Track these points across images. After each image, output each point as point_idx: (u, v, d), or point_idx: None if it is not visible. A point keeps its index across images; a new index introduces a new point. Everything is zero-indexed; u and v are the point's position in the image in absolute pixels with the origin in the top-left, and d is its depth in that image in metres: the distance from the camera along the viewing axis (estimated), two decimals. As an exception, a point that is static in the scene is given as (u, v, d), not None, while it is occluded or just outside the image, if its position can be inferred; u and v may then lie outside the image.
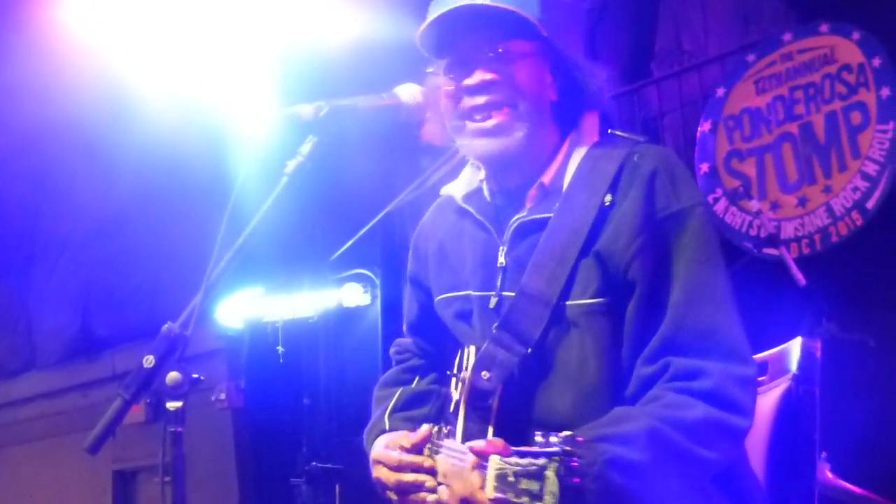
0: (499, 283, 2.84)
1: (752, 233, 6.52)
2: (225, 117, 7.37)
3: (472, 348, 2.82)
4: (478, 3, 2.76)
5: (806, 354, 2.96)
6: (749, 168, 6.78)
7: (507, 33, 2.80)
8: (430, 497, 2.80)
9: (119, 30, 7.89)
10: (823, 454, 4.52)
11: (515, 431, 2.67)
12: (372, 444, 3.07)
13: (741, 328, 2.67)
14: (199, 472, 10.40)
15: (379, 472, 2.95)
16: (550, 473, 2.16)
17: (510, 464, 2.25)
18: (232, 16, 7.73)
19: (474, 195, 2.99)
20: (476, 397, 2.76)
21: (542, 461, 2.19)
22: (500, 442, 2.45)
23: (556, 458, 2.17)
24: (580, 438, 2.35)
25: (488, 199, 2.95)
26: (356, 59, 7.40)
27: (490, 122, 2.79)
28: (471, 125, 2.82)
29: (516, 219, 2.84)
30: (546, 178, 2.83)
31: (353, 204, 8.92)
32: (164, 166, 9.96)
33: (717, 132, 6.95)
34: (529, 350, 2.71)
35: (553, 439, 2.21)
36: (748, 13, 7.38)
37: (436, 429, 2.90)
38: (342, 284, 8.91)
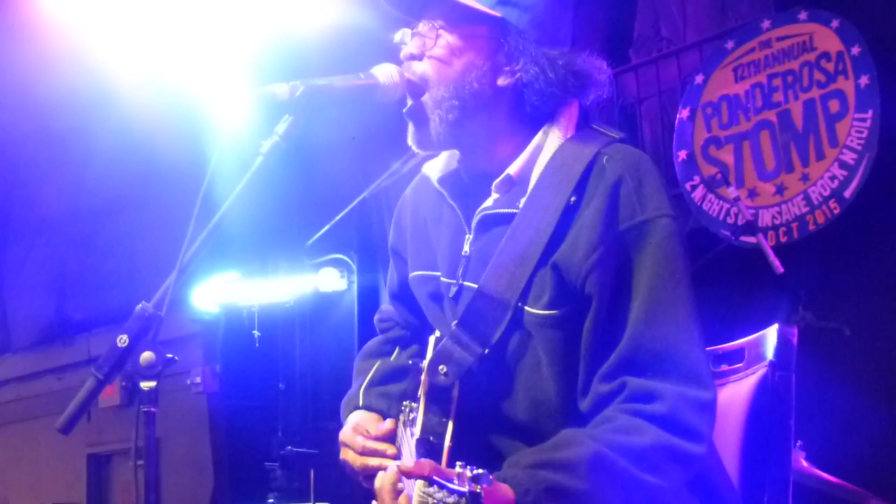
0: (460, 272, 2.79)
1: (730, 220, 6.52)
2: (200, 101, 7.34)
3: (433, 339, 2.76)
4: None
5: (782, 341, 2.94)
6: (727, 155, 6.78)
7: (447, 13, 2.75)
8: None
9: (94, 15, 7.86)
10: (798, 443, 4.53)
11: (475, 428, 2.66)
12: (346, 417, 3.05)
13: (702, 349, 2.59)
14: (174, 456, 10.40)
15: (346, 455, 2.92)
16: None
17: (429, 494, 2.24)
18: (207, 2, 7.70)
19: (450, 176, 2.91)
20: (435, 390, 2.70)
21: (453, 499, 2.18)
22: (427, 465, 2.31)
23: (464, 499, 2.15)
24: (515, 467, 2.40)
25: (466, 180, 2.88)
26: (332, 41, 7.37)
27: (411, 104, 2.77)
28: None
29: (481, 209, 2.77)
30: (513, 170, 2.73)
31: (329, 189, 8.91)
32: (139, 151, 9.93)
33: (695, 119, 6.95)
34: (486, 351, 2.65)
35: (468, 474, 2.18)
36: (727, 0, 7.39)
37: (402, 415, 2.89)
38: (318, 269, 8.93)
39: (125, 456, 11.47)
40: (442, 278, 2.87)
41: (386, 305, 3.35)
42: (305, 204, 9.16)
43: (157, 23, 7.81)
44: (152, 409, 2.40)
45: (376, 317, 3.35)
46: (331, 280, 8.90)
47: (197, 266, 2.56)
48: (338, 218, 8.51)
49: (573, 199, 2.62)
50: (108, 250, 11.91)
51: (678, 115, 7.08)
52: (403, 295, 3.16)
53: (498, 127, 2.78)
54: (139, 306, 2.44)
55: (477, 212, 2.78)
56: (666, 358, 2.53)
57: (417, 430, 2.68)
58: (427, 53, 2.76)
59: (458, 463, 2.22)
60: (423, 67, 2.76)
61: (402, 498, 2.51)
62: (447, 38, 2.75)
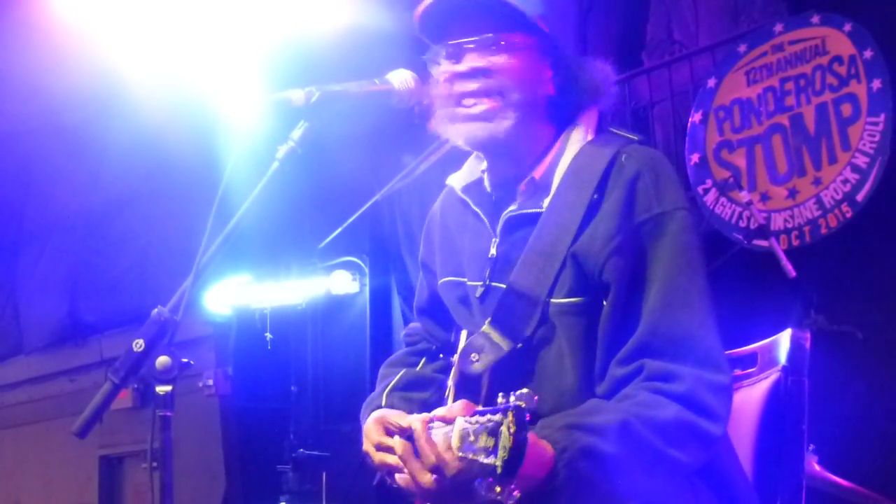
0: (487, 274, 2.86)
1: (742, 224, 6.52)
2: (214, 104, 7.35)
3: (465, 332, 2.86)
4: None
5: (795, 346, 2.96)
6: (739, 159, 6.78)
7: (504, 24, 2.81)
8: (402, 479, 2.80)
9: (107, 18, 7.86)
10: (811, 446, 4.53)
11: None
12: (367, 418, 3.08)
13: (717, 336, 2.65)
14: (186, 459, 10.39)
15: (368, 445, 2.95)
16: (504, 428, 2.16)
17: (471, 423, 2.27)
18: (221, 2, 7.71)
19: (474, 186, 3.00)
20: (466, 380, 2.78)
21: (497, 417, 2.19)
22: (463, 402, 2.45)
23: (510, 412, 2.16)
24: (549, 427, 2.44)
25: (488, 189, 2.96)
26: (346, 46, 7.38)
27: (478, 108, 2.80)
28: (460, 111, 2.81)
29: (507, 212, 2.85)
30: (537, 173, 2.83)
31: (342, 192, 8.92)
32: (153, 153, 9.95)
33: (707, 123, 6.95)
34: (519, 345, 2.72)
35: (511, 398, 2.20)
36: (739, 3, 7.38)
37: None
38: (331, 272, 8.93)
39: (137, 458, 11.47)
40: (468, 282, 2.93)
41: (414, 323, 3.41)
42: (318, 207, 9.16)
43: (170, 23, 7.81)
44: (168, 413, 2.41)
45: (403, 332, 3.42)
46: (343, 283, 8.90)
47: (211, 269, 2.57)
48: (350, 221, 8.52)
49: (595, 196, 2.70)
50: (120, 252, 11.92)
51: (690, 119, 7.08)
52: (432, 308, 3.24)
53: (533, 133, 2.86)
54: (155, 311, 2.46)
55: (503, 215, 2.86)
56: (682, 343, 2.59)
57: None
58: (490, 65, 2.81)
59: (500, 393, 2.26)
60: (488, 81, 2.80)
61: (439, 440, 2.49)
62: (504, 54, 2.81)
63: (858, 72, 6.29)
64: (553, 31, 2.84)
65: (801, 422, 2.93)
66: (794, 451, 2.91)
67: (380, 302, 8.88)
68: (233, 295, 9.12)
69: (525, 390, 2.20)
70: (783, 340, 2.97)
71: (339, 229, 8.63)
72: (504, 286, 2.78)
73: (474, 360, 2.74)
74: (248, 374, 9.56)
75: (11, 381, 13.52)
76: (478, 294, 2.87)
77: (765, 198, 6.58)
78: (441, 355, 3.25)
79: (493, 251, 2.87)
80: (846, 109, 6.31)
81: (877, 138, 6.13)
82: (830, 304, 5.80)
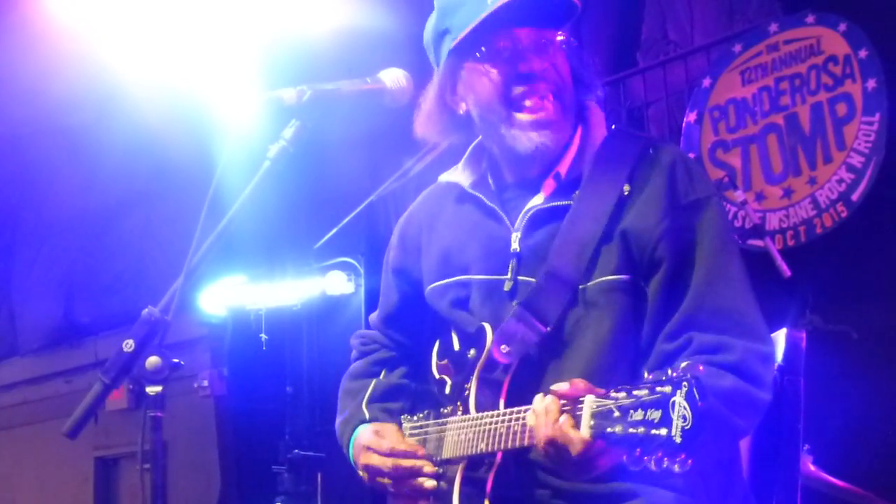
0: (512, 268, 2.87)
1: (737, 224, 6.52)
2: (209, 105, 7.34)
3: (488, 326, 2.83)
4: None
5: (791, 345, 2.96)
6: (734, 159, 6.78)
7: (551, 22, 2.86)
8: (428, 482, 2.84)
9: (103, 19, 7.86)
10: (806, 446, 4.52)
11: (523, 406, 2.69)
12: (351, 434, 3.07)
13: (758, 310, 2.74)
14: (181, 460, 10.39)
15: (370, 459, 2.95)
16: (679, 399, 2.16)
17: (615, 398, 2.27)
18: (215, 3, 7.70)
19: (481, 182, 3.02)
20: (490, 370, 2.79)
21: (667, 389, 2.19)
22: (583, 383, 2.44)
23: (685, 383, 2.17)
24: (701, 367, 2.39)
25: (493, 188, 2.99)
26: (341, 45, 7.38)
27: (543, 114, 2.83)
28: (523, 116, 2.83)
29: (531, 207, 2.87)
30: (562, 169, 2.88)
31: (337, 192, 8.91)
32: (148, 154, 9.95)
33: (702, 122, 6.94)
34: (549, 329, 2.75)
35: (671, 372, 2.22)
36: (734, 3, 7.38)
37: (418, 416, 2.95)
38: (326, 273, 8.90)
39: (132, 459, 11.46)
40: (473, 277, 2.94)
41: (366, 330, 3.40)
42: (313, 207, 9.15)
43: (167, 26, 7.81)
44: (158, 414, 2.40)
45: (354, 340, 3.40)
46: (338, 283, 8.88)
47: (205, 269, 2.56)
48: (345, 221, 8.50)
49: (627, 187, 2.78)
50: (115, 253, 11.91)
51: (685, 119, 7.08)
52: (401, 316, 3.25)
53: (571, 125, 2.92)
54: (145, 311, 2.44)
55: (525, 210, 2.88)
56: (728, 316, 2.68)
57: (472, 410, 2.80)
58: (550, 67, 2.85)
59: (651, 373, 2.33)
60: (556, 75, 2.85)
61: (563, 417, 2.45)
62: (561, 50, 2.88)
63: (853, 71, 6.29)
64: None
65: (796, 421, 2.94)
66: (789, 450, 2.92)
67: (375, 303, 8.82)
68: (228, 295, 9.10)
69: (686, 363, 2.28)
70: (779, 340, 2.97)
71: (335, 230, 8.62)
72: (533, 280, 2.80)
73: (504, 351, 2.77)
74: (243, 375, 9.55)
75: (7, 383, 13.50)
76: (506, 288, 2.87)
77: (760, 197, 6.58)
78: (402, 366, 3.25)
79: (515, 246, 2.88)
80: (841, 109, 6.32)
81: (872, 138, 6.14)
82: (825, 304, 5.79)
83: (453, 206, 3.07)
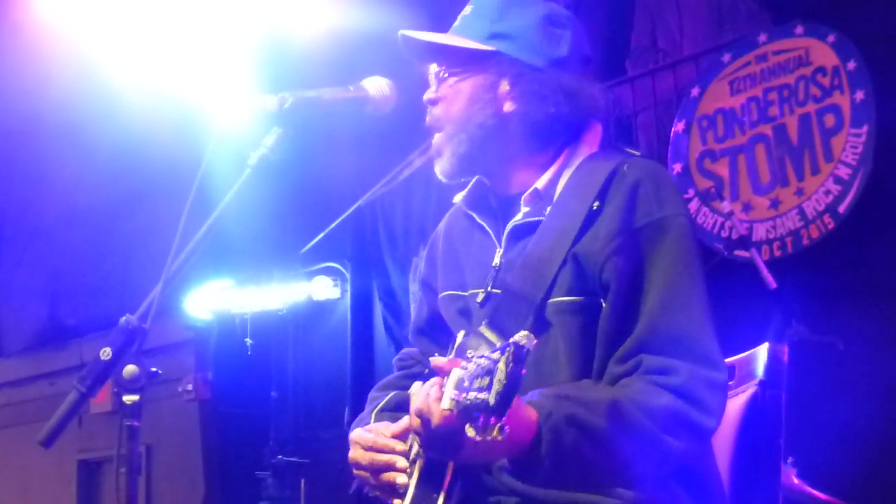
0: (490, 281, 2.90)
1: (724, 234, 6.52)
2: (198, 108, 7.32)
3: (462, 333, 2.86)
4: (420, 38, 2.90)
5: (773, 359, 2.95)
6: (722, 169, 6.77)
7: (447, 57, 2.92)
8: (400, 477, 2.82)
9: (91, 20, 7.84)
10: (790, 459, 4.51)
11: None
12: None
13: (714, 338, 2.70)
14: (165, 464, 10.37)
15: (354, 453, 2.95)
16: (501, 365, 2.17)
17: (466, 368, 2.27)
18: (206, 6, 7.69)
19: (479, 200, 3.06)
20: None
21: (495, 355, 2.20)
22: (460, 360, 2.43)
23: (508, 349, 2.17)
24: (540, 395, 2.48)
25: (493, 205, 3.03)
26: (330, 49, 7.37)
27: (434, 141, 2.94)
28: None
29: (511, 223, 2.91)
30: (540, 185, 2.89)
31: (324, 197, 8.90)
32: (135, 155, 9.91)
33: (690, 132, 6.94)
34: None
35: (510, 340, 2.22)
36: (724, 13, 7.37)
37: None
38: (312, 277, 8.91)
39: (116, 463, 11.41)
40: (470, 291, 2.99)
41: (408, 348, 3.42)
42: (299, 212, 9.14)
43: (152, 29, 7.79)
44: (135, 423, 2.38)
45: (395, 359, 3.42)
46: (324, 288, 8.88)
47: (185, 275, 2.55)
48: (332, 226, 8.49)
49: (596, 204, 2.76)
50: (101, 255, 11.87)
51: (674, 128, 7.07)
52: (431, 328, 3.26)
53: (513, 151, 2.94)
54: (123, 319, 2.43)
55: (508, 226, 2.92)
56: (680, 341, 2.65)
57: None
58: (437, 95, 2.93)
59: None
60: (436, 110, 2.93)
61: (432, 389, 2.50)
62: (451, 79, 2.91)
63: (842, 83, 6.29)
64: (510, 49, 2.90)
65: (777, 436, 2.93)
66: (770, 465, 2.91)
67: (361, 308, 8.87)
68: (213, 299, 9.09)
69: (524, 332, 2.22)
70: (760, 354, 2.97)
71: (321, 235, 8.61)
72: (500, 292, 2.83)
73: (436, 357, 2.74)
74: (228, 380, 9.54)
75: (-9, 384, 13.46)
76: (479, 300, 2.91)
77: (747, 208, 6.57)
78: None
79: (496, 260, 2.92)
80: (829, 120, 6.31)
81: (859, 150, 6.13)
82: (812, 315, 5.79)
83: (464, 223, 3.12)
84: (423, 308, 3.31)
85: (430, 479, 2.76)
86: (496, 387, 2.15)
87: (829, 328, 5.81)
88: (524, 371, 2.18)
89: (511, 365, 2.16)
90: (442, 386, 2.41)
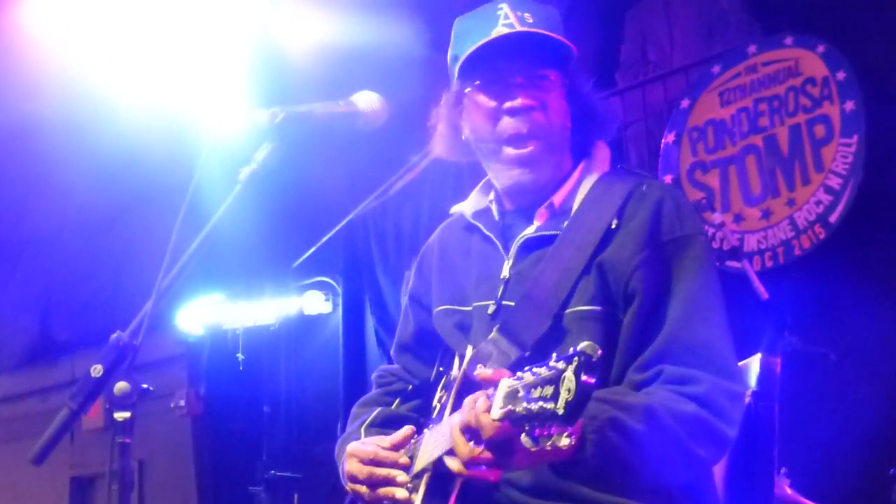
0: (499, 293, 2.90)
1: (715, 245, 6.50)
2: (189, 122, 7.32)
3: (470, 347, 2.87)
4: (532, 31, 2.86)
5: (765, 371, 2.96)
6: (713, 180, 6.78)
7: (546, 61, 2.88)
8: (400, 492, 2.81)
9: (82, 33, 7.83)
10: (783, 469, 4.52)
11: None
12: (344, 453, 3.05)
13: (733, 350, 2.75)
14: (157, 479, 10.34)
15: (351, 466, 2.93)
16: (568, 374, 2.16)
17: (521, 379, 2.27)
18: (198, 19, 7.69)
19: (483, 213, 3.06)
20: (466, 389, 2.74)
21: (560, 364, 2.19)
22: (506, 370, 2.47)
23: (575, 358, 2.17)
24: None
25: (496, 218, 3.03)
26: (322, 63, 7.38)
27: (527, 151, 2.87)
28: (509, 151, 2.89)
29: (523, 236, 2.92)
30: (556, 199, 2.91)
31: (315, 212, 8.90)
32: (127, 170, 9.89)
33: (681, 143, 6.95)
34: (527, 353, 2.75)
35: (570, 350, 2.21)
36: (713, 25, 7.39)
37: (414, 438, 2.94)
38: (303, 292, 8.90)
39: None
40: (474, 304, 2.98)
41: (386, 364, 3.43)
42: (291, 226, 9.14)
43: (145, 42, 7.79)
44: (127, 440, 2.37)
45: (375, 374, 3.40)
46: (316, 303, 8.87)
47: (178, 289, 2.54)
48: (323, 241, 8.50)
49: (615, 222, 2.81)
50: (93, 270, 11.85)
51: (664, 140, 7.08)
52: (417, 344, 3.25)
53: (563, 164, 2.96)
54: (114, 335, 2.42)
55: (518, 238, 2.93)
56: (700, 353, 2.70)
57: (446, 418, 2.77)
58: (542, 101, 2.88)
59: (554, 353, 2.28)
60: (539, 116, 2.87)
61: (480, 400, 2.47)
62: (552, 89, 2.90)
63: (831, 93, 6.31)
64: (574, 63, 2.93)
65: (771, 446, 2.94)
66: (763, 476, 2.91)
67: (353, 322, 8.86)
68: (205, 314, 9.08)
69: (587, 342, 2.22)
70: (753, 365, 2.97)
71: (313, 249, 8.61)
72: (513, 304, 2.84)
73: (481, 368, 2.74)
74: (220, 395, 9.53)
75: (-18, 401, 13.42)
76: (490, 312, 2.90)
77: (738, 219, 6.58)
78: (416, 399, 3.23)
79: (505, 273, 2.92)
80: (819, 131, 6.33)
81: (850, 159, 6.15)
82: (804, 326, 5.79)
83: (461, 234, 3.12)
84: (409, 324, 3.29)
85: (437, 494, 2.74)
86: (564, 396, 2.15)
87: (822, 339, 5.82)
88: (593, 381, 2.18)
89: (582, 375, 2.15)
90: (490, 396, 2.41)
